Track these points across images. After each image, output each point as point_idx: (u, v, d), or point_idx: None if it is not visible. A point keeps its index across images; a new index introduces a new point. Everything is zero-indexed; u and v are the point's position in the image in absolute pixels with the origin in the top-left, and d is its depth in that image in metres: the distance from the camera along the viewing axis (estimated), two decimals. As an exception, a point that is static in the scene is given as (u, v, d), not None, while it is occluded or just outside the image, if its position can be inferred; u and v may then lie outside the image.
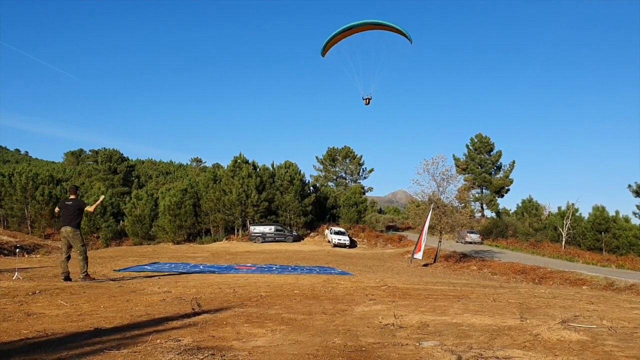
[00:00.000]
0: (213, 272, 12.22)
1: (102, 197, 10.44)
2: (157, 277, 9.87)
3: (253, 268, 14.54)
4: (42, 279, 8.98)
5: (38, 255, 24.80)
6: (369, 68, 16.10)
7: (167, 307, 5.46)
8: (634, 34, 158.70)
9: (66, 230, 8.39)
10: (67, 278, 8.20)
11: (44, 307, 5.40)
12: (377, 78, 15.99)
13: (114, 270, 11.65)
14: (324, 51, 15.53)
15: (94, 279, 8.53)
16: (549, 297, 7.77)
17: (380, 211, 65.56)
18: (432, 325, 4.51)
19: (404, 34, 14.41)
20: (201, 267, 14.43)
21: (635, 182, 36.80)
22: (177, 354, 3.20)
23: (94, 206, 9.06)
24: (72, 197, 8.75)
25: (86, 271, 8.42)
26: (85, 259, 8.45)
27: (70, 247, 8.42)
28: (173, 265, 14.53)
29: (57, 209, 8.85)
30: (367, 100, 15.85)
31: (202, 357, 3.13)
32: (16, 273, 9.03)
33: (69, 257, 8.40)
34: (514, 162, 52.77)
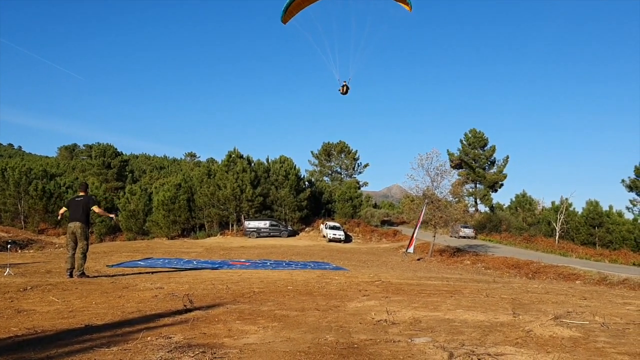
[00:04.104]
0: (206, 267, 12.19)
1: (114, 217, 10.30)
2: (150, 273, 9.83)
3: (247, 264, 14.51)
4: (35, 274, 8.92)
5: (31, 251, 24.65)
6: (349, 42, 12.11)
7: (159, 304, 5.42)
8: (628, 30, 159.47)
9: (75, 225, 8.37)
10: (72, 274, 8.20)
11: (35, 303, 5.35)
12: (359, 57, 12.03)
13: (107, 265, 11.59)
14: (285, 15, 11.40)
15: (88, 276, 8.48)
16: (541, 292, 7.80)
17: (375, 206, 65.59)
18: (424, 322, 4.50)
19: None
20: (195, 262, 14.38)
21: (629, 177, 37.18)
22: (168, 352, 3.17)
23: (100, 210, 9.00)
24: (81, 194, 8.74)
25: (83, 269, 8.39)
26: (85, 257, 8.44)
27: (77, 243, 8.36)
28: (166, 261, 14.48)
29: (61, 211, 8.79)
30: (344, 88, 12.12)
31: (192, 355, 3.10)
32: (7, 269, 8.94)
33: (74, 253, 8.35)
34: (507, 157, 52.88)
